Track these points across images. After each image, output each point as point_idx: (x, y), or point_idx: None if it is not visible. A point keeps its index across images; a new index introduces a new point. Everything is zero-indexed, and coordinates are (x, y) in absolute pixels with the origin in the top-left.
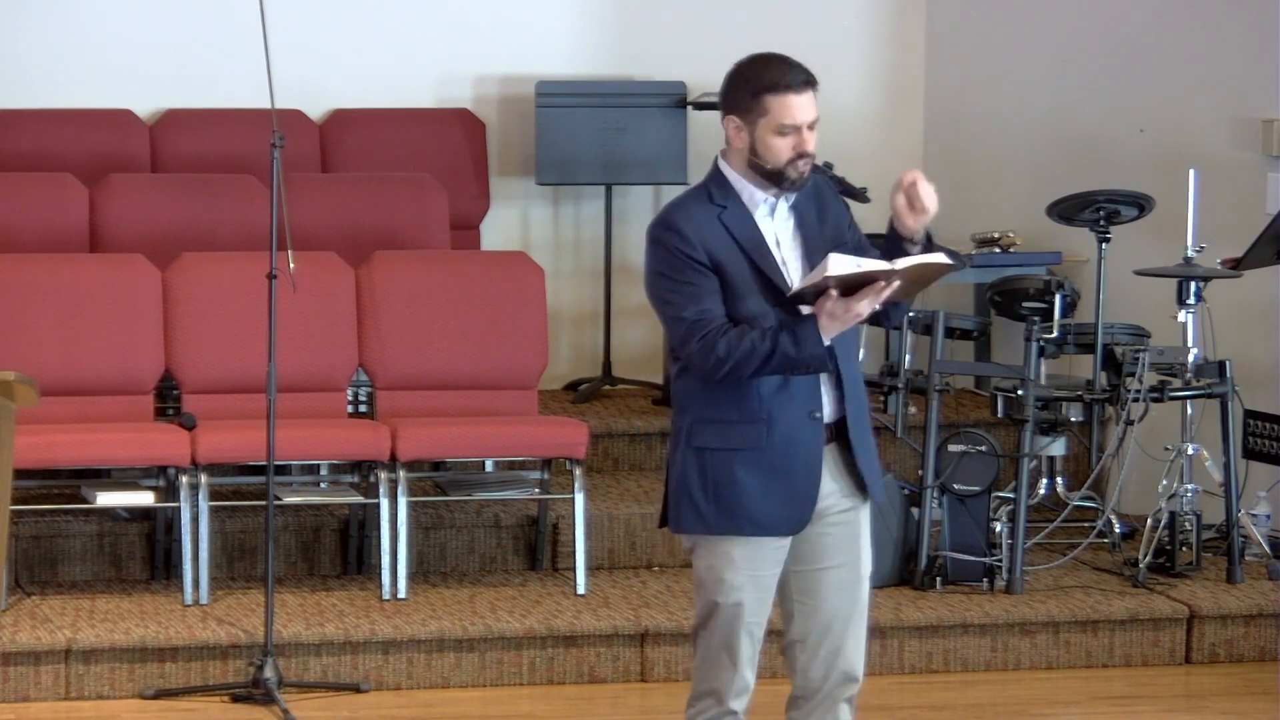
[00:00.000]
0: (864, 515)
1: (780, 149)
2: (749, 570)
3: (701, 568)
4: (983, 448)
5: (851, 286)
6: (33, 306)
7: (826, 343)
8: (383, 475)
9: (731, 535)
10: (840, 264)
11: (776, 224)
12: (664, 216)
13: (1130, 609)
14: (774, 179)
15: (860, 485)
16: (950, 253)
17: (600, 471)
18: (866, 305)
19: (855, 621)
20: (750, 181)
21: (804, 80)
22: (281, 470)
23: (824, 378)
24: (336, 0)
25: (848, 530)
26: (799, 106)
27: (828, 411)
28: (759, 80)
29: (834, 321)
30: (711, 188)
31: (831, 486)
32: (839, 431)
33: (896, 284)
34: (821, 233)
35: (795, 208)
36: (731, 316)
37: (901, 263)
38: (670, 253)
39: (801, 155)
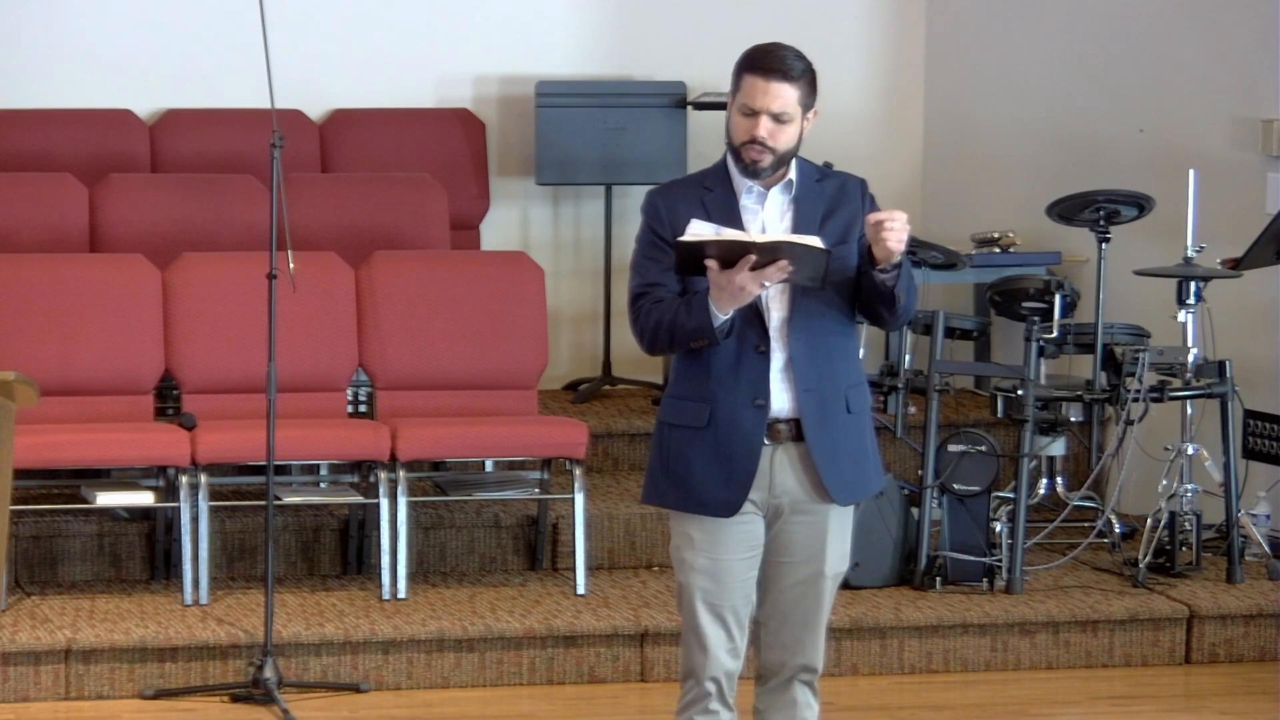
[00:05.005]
0: (834, 516)
1: (739, 129)
2: (707, 552)
3: (671, 549)
4: (983, 448)
5: (729, 259)
6: (32, 306)
7: (724, 315)
8: (383, 475)
9: (677, 511)
10: (696, 229)
11: (767, 212)
12: (652, 191)
13: (1130, 609)
14: (738, 160)
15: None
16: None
17: (600, 471)
18: (747, 279)
19: (814, 618)
20: (738, 167)
21: (778, 70)
22: (281, 470)
23: (779, 372)
24: (336, 0)
25: (810, 530)
26: (761, 91)
27: (782, 406)
28: (745, 60)
29: (721, 293)
30: (710, 172)
31: (790, 483)
32: (799, 430)
33: (784, 263)
34: (819, 230)
35: (797, 201)
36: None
37: (761, 237)
38: (644, 226)
39: (754, 140)
